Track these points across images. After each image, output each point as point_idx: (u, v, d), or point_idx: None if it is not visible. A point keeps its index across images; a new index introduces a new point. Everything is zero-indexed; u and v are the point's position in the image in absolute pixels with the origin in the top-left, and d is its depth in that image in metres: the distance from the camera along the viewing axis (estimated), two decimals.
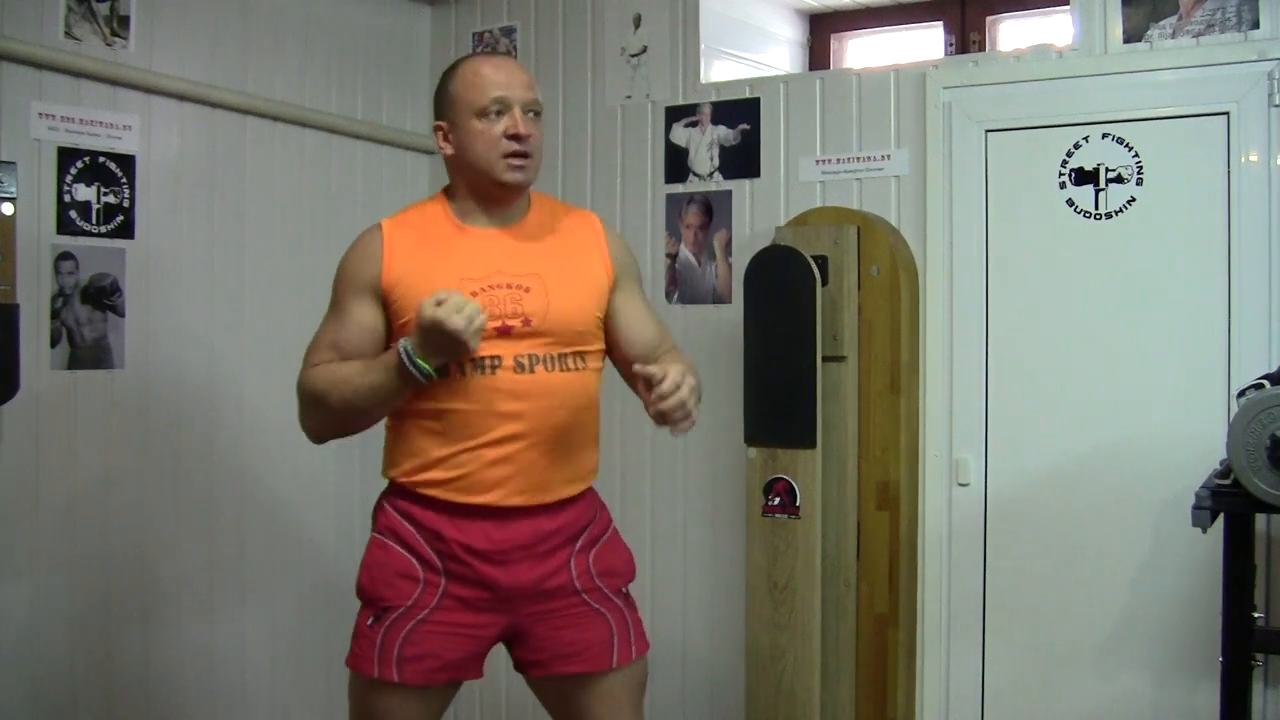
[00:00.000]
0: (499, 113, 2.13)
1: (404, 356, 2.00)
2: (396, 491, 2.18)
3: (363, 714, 2.17)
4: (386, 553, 2.15)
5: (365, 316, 2.14)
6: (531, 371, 2.11)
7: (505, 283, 2.11)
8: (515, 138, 2.12)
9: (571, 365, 2.16)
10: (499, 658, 2.26)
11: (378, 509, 2.22)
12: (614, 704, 2.22)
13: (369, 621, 2.13)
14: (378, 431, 2.23)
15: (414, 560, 2.12)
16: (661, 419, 2.03)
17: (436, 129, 2.21)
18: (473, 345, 1.98)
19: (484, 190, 2.17)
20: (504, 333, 2.09)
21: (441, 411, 2.10)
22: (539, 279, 2.15)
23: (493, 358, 2.08)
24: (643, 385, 2.03)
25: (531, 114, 2.17)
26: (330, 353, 2.14)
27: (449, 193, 2.23)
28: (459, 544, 2.10)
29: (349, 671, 2.16)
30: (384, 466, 2.23)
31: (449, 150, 2.19)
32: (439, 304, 1.95)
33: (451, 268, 2.12)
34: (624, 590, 2.27)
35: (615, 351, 2.28)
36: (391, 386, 2.04)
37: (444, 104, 2.20)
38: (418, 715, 2.14)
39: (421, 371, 2.01)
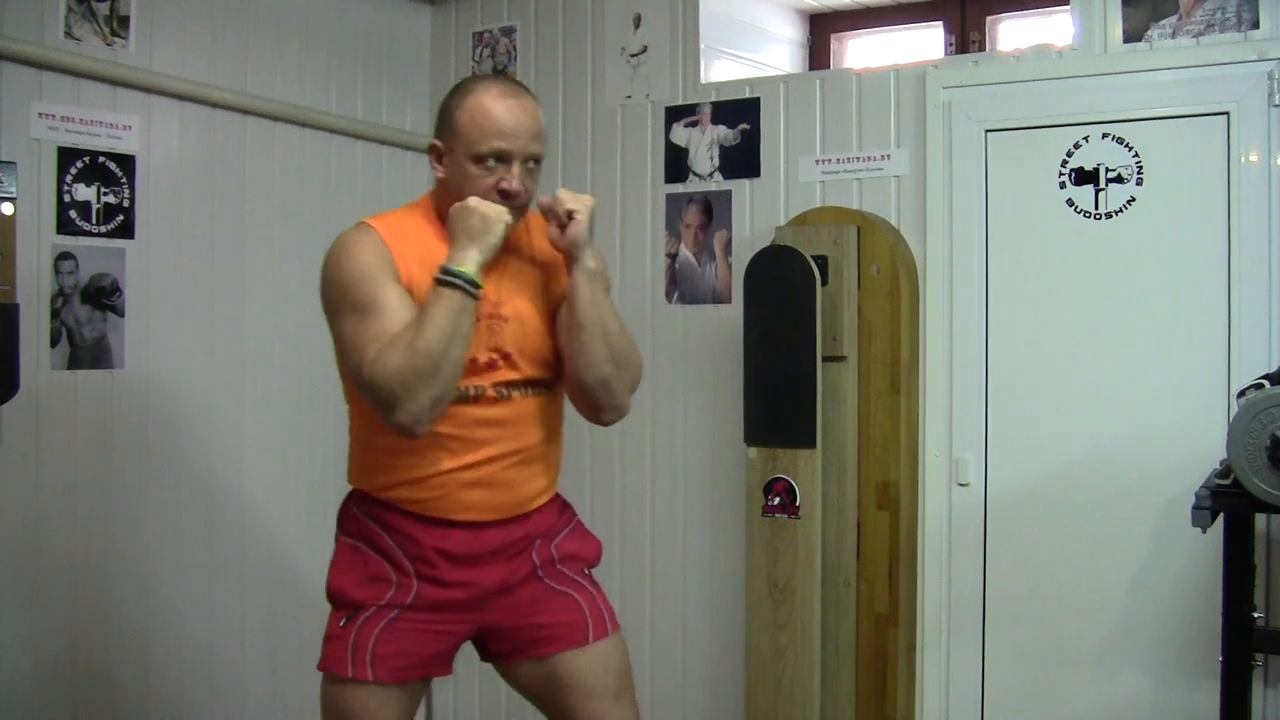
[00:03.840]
0: (498, 161, 2.08)
1: (444, 275, 1.98)
2: (366, 499, 2.18)
3: (335, 716, 2.14)
4: (357, 555, 2.15)
5: (407, 298, 2.04)
6: (509, 399, 2.12)
7: (487, 313, 2.09)
8: (506, 194, 2.08)
9: (544, 389, 2.19)
10: (478, 662, 2.28)
11: (345, 514, 2.22)
12: (593, 681, 2.20)
13: (341, 623, 2.13)
14: None
15: (385, 563, 2.13)
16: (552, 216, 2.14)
17: (433, 147, 2.16)
18: (506, 221, 2.03)
19: None
20: (489, 365, 2.10)
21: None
22: (514, 309, 2.15)
23: (476, 387, 2.09)
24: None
25: (531, 164, 2.12)
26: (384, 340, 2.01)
27: (435, 207, 2.18)
28: (433, 548, 2.11)
29: (321, 677, 2.15)
30: (351, 474, 2.23)
31: (441, 173, 2.15)
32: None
33: None
34: (586, 571, 2.28)
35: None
36: (451, 307, 1.97)
37: (446, 127, 2.13)
38: (391, 713, 2.13)
39: (463, 277, 1.97)
